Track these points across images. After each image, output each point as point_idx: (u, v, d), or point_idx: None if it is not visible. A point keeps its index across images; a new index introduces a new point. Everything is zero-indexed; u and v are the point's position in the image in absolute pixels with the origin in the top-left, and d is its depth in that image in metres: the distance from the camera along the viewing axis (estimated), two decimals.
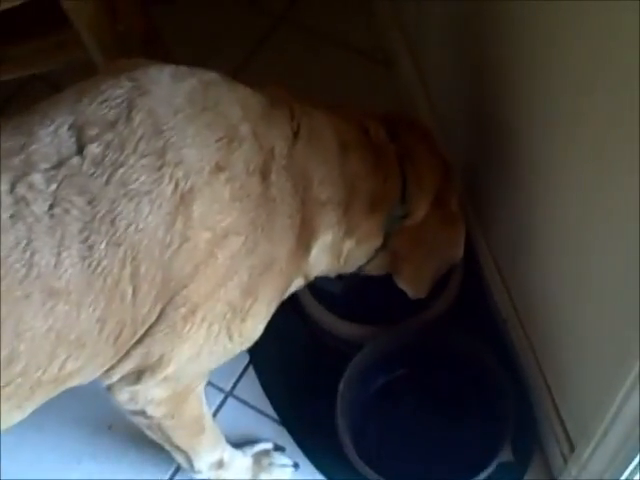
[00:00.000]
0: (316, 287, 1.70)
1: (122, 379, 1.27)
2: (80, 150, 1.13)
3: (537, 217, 1.45)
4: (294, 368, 1.78)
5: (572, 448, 1.52)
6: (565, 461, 1.55)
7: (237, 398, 1.77)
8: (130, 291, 1.15)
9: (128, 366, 1.24)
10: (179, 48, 1.96)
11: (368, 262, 1.46)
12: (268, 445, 1.70)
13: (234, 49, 2.13)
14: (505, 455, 1.57)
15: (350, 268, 1.46)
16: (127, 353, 1.22)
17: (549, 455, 1.64)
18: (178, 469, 1.68)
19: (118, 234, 1.12)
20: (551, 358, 1.54)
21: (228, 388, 1.77)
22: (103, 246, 1.12)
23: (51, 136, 1.14)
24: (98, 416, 1.73)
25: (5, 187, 1.10)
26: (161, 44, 1.87)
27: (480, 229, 1.75)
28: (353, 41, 2.14)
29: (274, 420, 1.74)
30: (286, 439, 1.72)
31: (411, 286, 1.49)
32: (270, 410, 1.75)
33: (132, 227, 1.12)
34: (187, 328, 1.21)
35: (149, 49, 1.84)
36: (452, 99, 1.75)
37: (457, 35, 1.63)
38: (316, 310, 1.74)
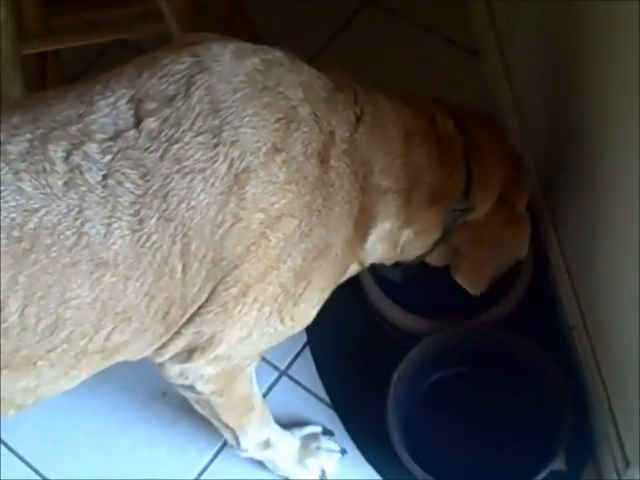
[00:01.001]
0: (379, 274, 1.69)
1: (173, 357, 1.28)
2: (137, 124, 1.13)
3: (612, 221, 1.40)
4: (351, 354, 1.76)
5: (627, 464, 1.47)
6: (619, 476, 1.50)
7: (291, 378, 1.76)
8: (180, 268, 1.15)
9: (179, 345, 1.25)
10: (263, 25, 1.96)
11: (426, 253, 1.44)
12: (317, 428, 1.69)
13: (318, 28, 2.10)
14: (558, 464, 1.53)
15: (407, 257, 1.44)
16: (178, 332, 1.22)
17: (603, 469, 1.59)
18: (225, 444, 1.69)
19: (170, 210, 1.12)
20: (615, 372, 1.49)
21: (283, 367, 1.77)
22: (154, 221, 1.12)
23: (110, 107, 1.14)
24: (153, 383, 1.73)
25: (61, 154, 1.11)
26: (245, 20, 1.86)
27: (553, 230, 1.70)
28: (440, 28, 2.09)
29: (326, 404, 1.73)
30: (336, 424, 1.71)
31: (468, 282, 1.47)
32: (322, 393, 1.74)
33: (184, 204, 1.12)
34: (238, 309, 1.20)
35: (232, 24, 1.83)
36: (536, 96, 1.71)
37: (548, 31, 1.59)
38: (378, 298, 1.72)
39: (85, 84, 1.19)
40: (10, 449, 1.74)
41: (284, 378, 1.76)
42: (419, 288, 1.68)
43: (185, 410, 1.71)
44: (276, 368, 1.76)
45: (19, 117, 1.13)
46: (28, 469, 1.72)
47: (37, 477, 1.72)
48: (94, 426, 1.75)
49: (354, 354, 1.76)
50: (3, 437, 1.74)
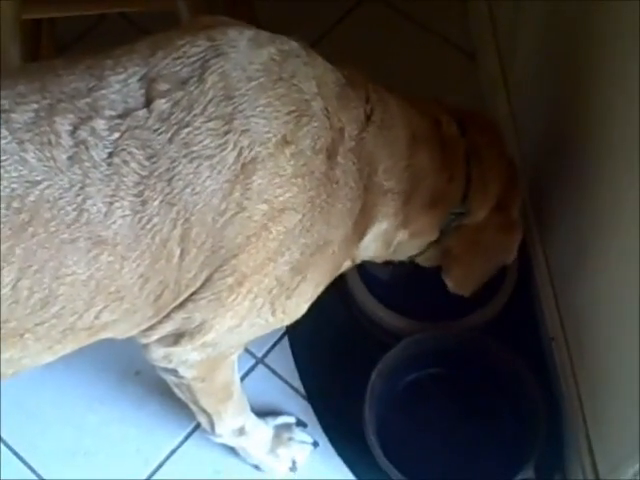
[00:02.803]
0: (365, 271, 1.68)
1: (159, 340, 1.27)
2: (148, 103, 1.11)
3: (600, 236, 1.41)
4: (329, 347, 1.76)
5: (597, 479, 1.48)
6: None
7: (267, 366, 1.76)
8: (177, 253, 1.13)
9: (167, 328, 1.24)
10: (262, 13, 1.94)
11: (418, 254, 1.45)
12: (291, 419, 1.69)
13: (318, 18, 2.09)
14: (527, 472, 1.54)
15: (399, 257, 1.44)
16: (167, 315, 1.21)
17: None
18: (196, 427, 1.68)
19: (173, 194, 1.11)
20: (592, 387, 1.50)
21: (260, 355, 1.76)
22: (156, 203, 1.10)
23: (121, 84, 1.12)
24: (127, 360, 1.73)
25: (67, 127, 1.09)
26: (247, 4, 1.84)
27: (539, 239, 1.71)
28: (439, 27, 2.09)
29: (300, 395, 1.73)
30: (309, 416, 1.71)
31: (457, 284, 1.47)
32: (298, 384, 1.74)
33: (188, 189, 1.11)
34: (232, 298, 1.19)
35: (234, 8, 1.81)
36: (533, 104, 1.71)
37: (548, 37, 1.59)
38: (361, 294, 1.72)
39: (95, 57, 1.16)
40: None
41: (260, 366, 1.76)
42: (402, 287, 1.68)
43: (158, 391, 1.71)
44: (253, 355, 1.75)
45: (25, 85, 1.11)
46: None
47: (4, 447, 1.69)
48: (64, 400, 1.74)
49: (332, 347, 1.76)
50: None
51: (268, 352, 1.77)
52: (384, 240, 1.35)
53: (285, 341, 1.77)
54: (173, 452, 1.69)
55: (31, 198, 1.07)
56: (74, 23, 1.94)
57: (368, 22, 2.11)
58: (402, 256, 1.44)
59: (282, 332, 1.77)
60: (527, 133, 1.74)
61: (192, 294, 1.19)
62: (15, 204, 1.06)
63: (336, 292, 1.71)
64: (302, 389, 1.73)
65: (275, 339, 1.77)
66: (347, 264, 1.37)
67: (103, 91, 1.11)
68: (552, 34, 1.58)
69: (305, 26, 2.00)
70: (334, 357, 1.75)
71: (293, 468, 1.65)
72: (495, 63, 1.91)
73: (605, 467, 1.46)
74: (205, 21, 1.21)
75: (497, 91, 1.89)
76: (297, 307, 1.28)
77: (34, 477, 1.68)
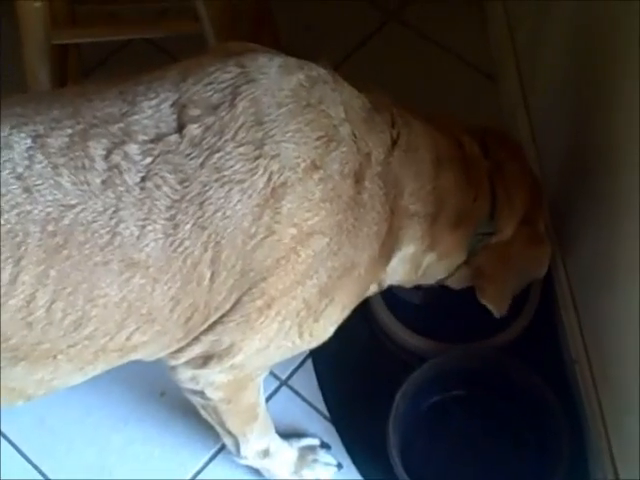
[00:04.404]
0: (387, 293, 1.69)
1: (188, 362, 1.28)
2: (180, 129, 1.13)
3: (622, 256, 1.41)
4: (352, 369, 1.77)
5: None
6: None
7: (291, 388, 1.77)
8: (208, 275, 1.15)
9: (196, 351, 1.25)
10: (284, 36, 1.96)
11: (448, 276, 1.45)
12: (315, 441, 1.69)
13: (340, 40, 2.11)
14: None
15: (428, 280, 1.44)
16: (196, 338, 1.22)
17: None
18: (221, 450, 1.69)
19: (205, 217, 1.12)
20: (616, 410, 1.50)
21: (284, 377, 1.77)
22: (188, 227, 1.12)
23: (153, 109, 1.14)
24: (153, 381, 1.74)
25: (101, 152, 1.11)
26: (271, 28, 1.86)
27: (561, 261, 1.71)
28: (460, 49, 2.11)
29: (324, 417, 1.74)
30: (333, 438, 1.71)
31: (494, 304, 1.46)
32: (322, 406, 1.74)
33: (219, 213, 1.12)
34: (261, 320, 1.21)
35: (258, 31, 1.83)
36: (554, 124, 1.71)
37: (570, 60, 1.60)
38: (384, 316, 1.73)
39: (124, 83, 1.19)
40: (5, 437, 1.72)
41: (284, 388, 1.76)
42: (429, 309, 1.69)
43: (182, 412, 1.72)
44: (277, 378, 1.76)
45: (59, 110, 1.14)
46: (22, 458, 1.71)
47: (30, 466, 1.71)
48: (89, 420, 1.75)
49: (355, 369, 1.77)
50: None
51: (292, 374, 1.77)
52: (412, 263, 1.36)
53: (309, 363, 1.78)
54: (198, 473, 1.70)
55: (66, 222, 1.08)
56: (98, 47, 1.97)
57: (389, 45, 2.13)
58: (432, 279, 1.44)
59: (306, 354, 1.77)
60: (548, 154, 1.75)
61: (221, 316, 1.21)
62: (50, 227, 1.08)
63: (359, 314, 1.72)
64: (326, 411, 1.74)
65: (299, 361, 1.78)
66: (373, 288, 1.38)
67: (136, 116, 1.13)
68: (573, 54, 1.58)
69: (326, 50, 2.02)
70: (357, 379, 1.75)
71: None
72: (515, 84, 1.92)
73: None
74: (233, 47, 1.23)
75: (517, 112, 1.90)
76: (324, 330, 1.29)
77: None
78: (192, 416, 1.62)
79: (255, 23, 1.90)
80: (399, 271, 1.36)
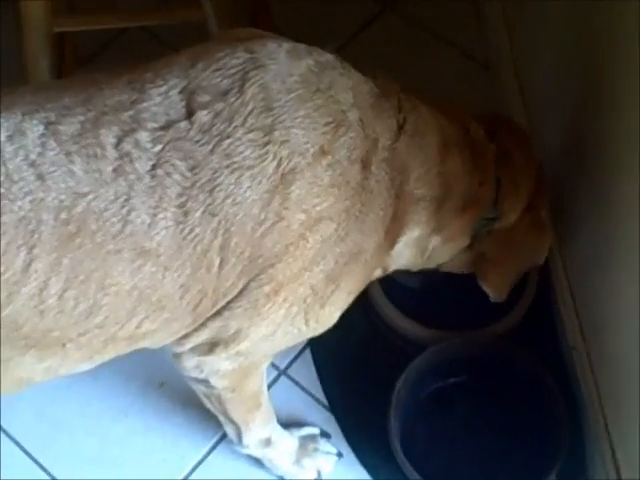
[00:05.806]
0: (386, 280, 1.70)
1: (194, 349, 1.28)
2: (189, 115, 1.13)
3: (619, 244, 1.42)
4: (351, 357, 1.77)
5: None
6: None
7: (290, 378, 1.77)
8: (217, 262, 1.15)
9: (202, 337, 1.25)
10: (283, 21, 1.96)
11: (450, 261, 1.45)
12: (315, 430, 1.69)
13: (337, 30, 2.11)
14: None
15: (431, 264, 1.45)
16: (203, 324, 1.23)
17: None
18: (222, 439, 1.69)
19: (215, 204, 1.12)
20: (614, 396, 1.51)
21: (283, 366, 1.77)
22: (198, 214, 1.12)
23: (162, 97, 1.14)
24: (152, 372, 1.74)
25: (112, 140, 1.11)
26: (269, 17, 1.86)
27: (558, 250, 1.72)
28: (455, 39, 2.11)
29: (323, 406, 1.74)
30: (333, 427, 1.72)
31: (494, 289, 1.48)
32: (321, 395, 1.75)
33: (229, 199, 1.13)
34: (268, 306, 1.21)
35: (256, 20, 1.83)
36: (550, 115, 1.72)
37: (566, 49, 1.60)
38: (382, 304, 1.73)
39: (133, 71, 1.18)
40: (3, 430, 1.72)
41: (283, 378, 1.77)
42: (429, 296, 1.69)
43: (183, 402, 1.72)
44: (276, 367, 1.76)
45: (70, 98, 1.13)
46: (20, 451, 1.70)
47: (29, 459, 1.70)
48: (90, 411, 1.74)
49: (354, 357, 1.77)
50: None
51: (291, 364, 1.78)
52: (418, 247, 1.36)
53: (307, 353, 1.78)
54: (199, 463, 1.70)
55: (78, 209, 1.08)
56: (95, 36, 1.96)
57: (385, 35, 2.13)
58: (434, 263, 1.45)
59: (304, 344, 1.77)
60: (544, 144, 1.75)
61: (229, 302, 1.21)
62: (63, 215, 1.08)
63: (358, 303, 1.73)
64: (325, 400, 1.74)
65: (297, 351, 1.78)
66: (378, 273, 1.39)
67: (145, 104, 1.13)
68: (570, 43, 1.59)
69: (322, 38, 2.02)
70: (356, 367, 1.76)
71: (319, 478, 1.65)
72: (511, 74, 1.93)
73: (629, 474, 1.47)
74: (241, 33, 1.23)
75: (513, 102, 1.90)
76: (330, 315, 1.29)
77: None
78: (192, 406, 1.63)
79: (254, 14, 1.90)
80: (405, 255, 1.36)
